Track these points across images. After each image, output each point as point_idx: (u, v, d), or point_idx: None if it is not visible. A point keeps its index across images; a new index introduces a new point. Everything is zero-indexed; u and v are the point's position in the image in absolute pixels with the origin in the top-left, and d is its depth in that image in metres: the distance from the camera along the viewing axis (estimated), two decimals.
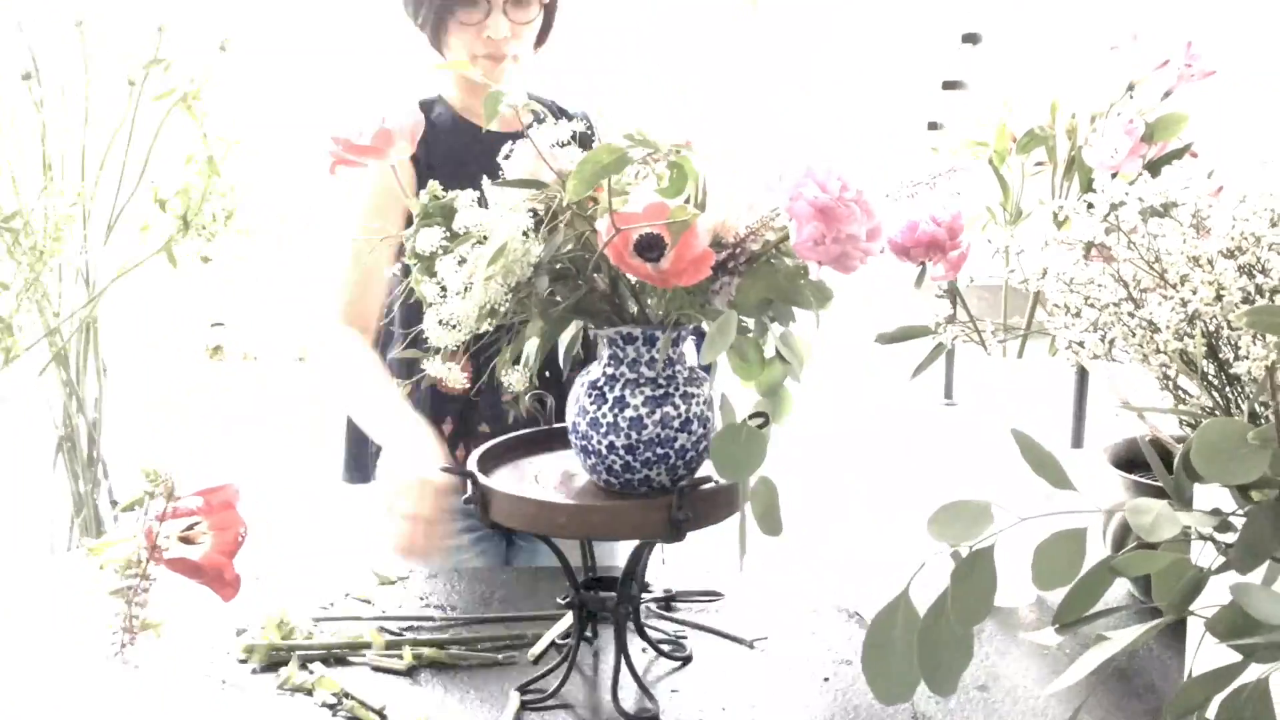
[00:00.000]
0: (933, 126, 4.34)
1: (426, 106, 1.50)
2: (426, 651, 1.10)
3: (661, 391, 0.98)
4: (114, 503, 1.11)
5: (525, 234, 0.92)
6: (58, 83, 1.14)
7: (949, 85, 4.44)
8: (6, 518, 1.18)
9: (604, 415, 0.98)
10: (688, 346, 1.05)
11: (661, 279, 0.89)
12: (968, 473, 1.22)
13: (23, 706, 1.01)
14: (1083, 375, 1.19)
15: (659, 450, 0.97)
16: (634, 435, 0.97)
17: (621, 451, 0.98)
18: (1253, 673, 0.68)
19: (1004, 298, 1.18)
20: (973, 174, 1.22)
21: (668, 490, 1.00)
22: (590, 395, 0.99)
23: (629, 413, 0.97)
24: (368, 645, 1.11)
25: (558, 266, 0.94)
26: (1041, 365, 1.20)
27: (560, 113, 1.52)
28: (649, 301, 0.99)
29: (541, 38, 1.49)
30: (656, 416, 0.97)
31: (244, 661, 1.09)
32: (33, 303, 1.06)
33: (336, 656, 1.10)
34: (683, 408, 0.97)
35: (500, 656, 1.10)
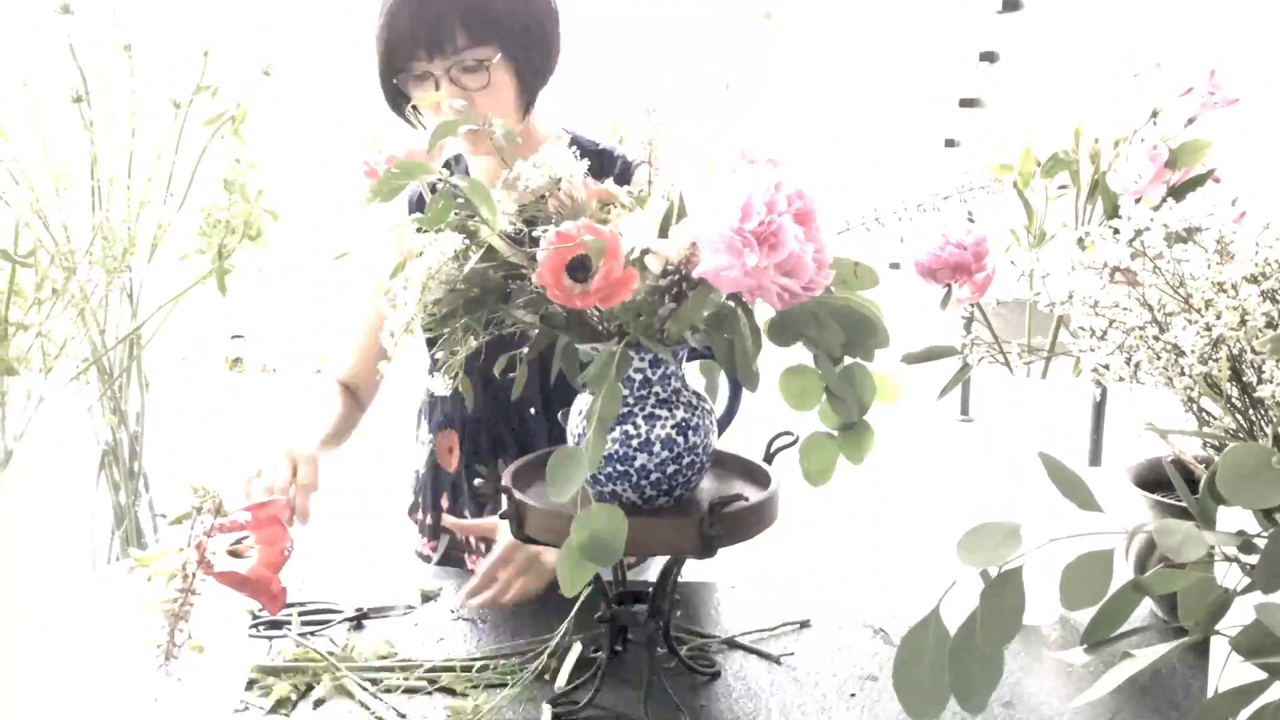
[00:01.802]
0: (950, 144, 4.37)
1: (448, 166, 1.46)
2: (459, 665, 1.12)
3: (626, 410, 0.99)
4: (160, 515, 1.14)
5: (456, 255, 0.94)
6: (104, 105, 1.17)
7: (966, 103, 4.46)
8: (51, 530, 1.20)
9: (576, 426, 1.02)
10: (688, 369, 1.06)
11: (585, 300, 0.90)
12: (986, 489, 1.24)
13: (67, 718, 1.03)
14: (1102, 395, 1.20)
15: (619, 467, 0.99)
16: None
17: None
18: (1276, 690, 0.70)
19: (1028, 318, 1.19)
20: (994, 195, 1.24)
21: (639, 507, 1.02)
22: (577, 406, 1.04)
23: None
24: (402, 661, 1.13)
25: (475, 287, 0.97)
26: (1059, 384, 1.21)
27: (598, 153, 1.47)
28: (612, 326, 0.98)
29: (529, 99, 1.41)
30: (616, 434, 0.99)
31: (280, 675, 1.11)
32: (82, 321, 1.09)
33: (371, 670, 1.12)
34: (644, 429, 0.99)
35: (532, 669, 1.12)
